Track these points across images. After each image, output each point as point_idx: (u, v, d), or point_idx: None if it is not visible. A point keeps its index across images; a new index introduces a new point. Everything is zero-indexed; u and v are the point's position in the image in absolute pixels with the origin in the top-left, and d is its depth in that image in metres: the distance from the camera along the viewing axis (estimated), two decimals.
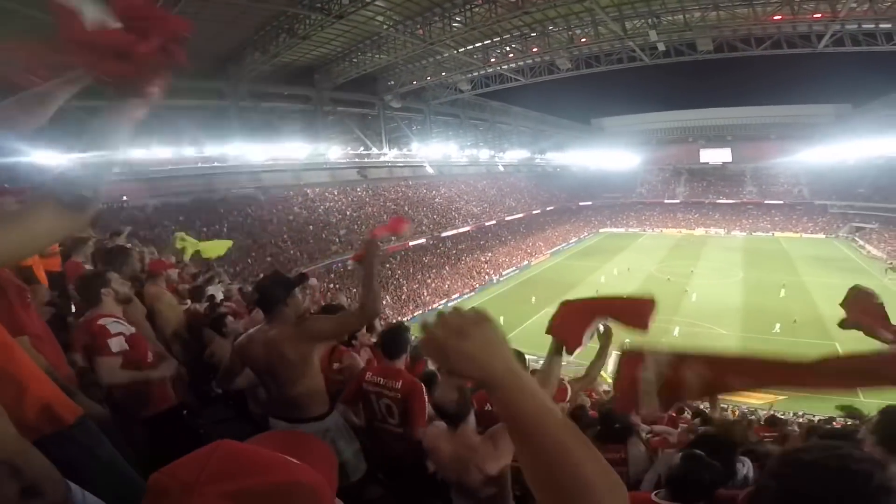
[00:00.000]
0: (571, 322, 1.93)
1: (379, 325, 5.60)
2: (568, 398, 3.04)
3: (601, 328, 2.27)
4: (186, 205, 25.89)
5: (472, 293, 34.45)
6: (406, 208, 39.78)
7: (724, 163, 67.34)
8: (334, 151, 34.57)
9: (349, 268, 29.83)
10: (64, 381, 1.80)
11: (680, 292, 31.44)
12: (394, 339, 2.72)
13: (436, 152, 42.57)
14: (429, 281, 33.60)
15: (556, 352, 2.12)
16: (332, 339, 3.07)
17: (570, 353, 2.04)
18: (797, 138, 59.62)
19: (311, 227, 30.89)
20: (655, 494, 1.85)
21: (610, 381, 17.43)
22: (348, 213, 35.11)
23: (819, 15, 19.67)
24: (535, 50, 25.87)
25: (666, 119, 69.97)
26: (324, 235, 30.92)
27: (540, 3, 19.78)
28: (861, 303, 1.72)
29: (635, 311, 1.78)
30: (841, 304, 1.76)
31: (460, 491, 1.98)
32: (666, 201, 66.75)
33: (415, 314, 28.82)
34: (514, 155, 54.84)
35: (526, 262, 43.10)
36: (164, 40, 0.99)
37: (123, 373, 2.41)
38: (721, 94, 79.98)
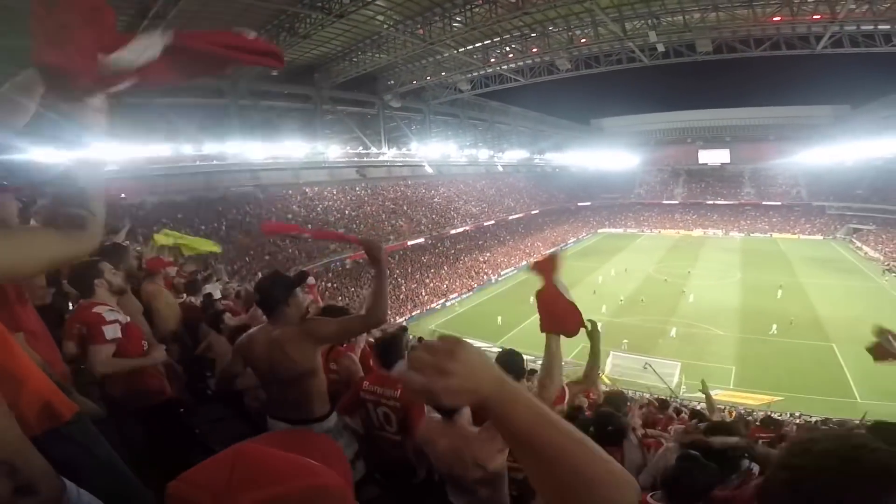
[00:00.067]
0: (555, 311, 2.05)
1: None
2: (566, 401, 3.03)
3: (588, 325, 2.30)
4: (185, 203, 25.87)
5: (471, 293, 34.46)
6: (405, 208, 39.79)
7: (722, 164, 67.43)
8: (333, 150, 34.56)
9: (347, 267, 29.87)
10: (59, 378, 1.79)
11: (677, 293, 31.52)
12: (389, 348, 2.69)
13: (435, 152, 42.54)
14: (427, 281, 33.59)
15: (554, 348, 2.13)
16: (335, 342, 3.07)
17: (573, 334, 2.12)
18: (795, 139, 59.73)
19: (309, 225, 30.85)
20: (651, 496, 1.85)
21: (608, 381, 17.46)
22: (347, 212, 35.08)
23: (818, 16, 19.71)
24: (534, 50, 25.88)
25: (665, 120, 70.02)
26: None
27: (540, 3, 19.78)
28: (885, 342, 2.06)
29: (571, 317, 2.11)
30: (868, 349, 2.17)
31: (456, 486, 1.97)
32: (664, 202, 66.86)
33: (413, 314, 28.82)
34: (514, 155, 54.83)
35: (524, 263, 43.05)
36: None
37: (116, 361, 2.39)
38: (720, 95, 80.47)
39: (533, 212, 55.23)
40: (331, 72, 28.79)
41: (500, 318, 26.46)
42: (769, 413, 11.14)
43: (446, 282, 34.64)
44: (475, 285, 35.86)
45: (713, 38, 22.17)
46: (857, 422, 8.01)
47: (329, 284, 27.35)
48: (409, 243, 35.81)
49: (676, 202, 66.30)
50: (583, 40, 24.49)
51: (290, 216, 30.59)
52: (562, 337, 2.16)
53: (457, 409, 1.94)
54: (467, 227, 43.23)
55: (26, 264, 0.94)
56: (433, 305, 31.21)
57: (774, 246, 48.95)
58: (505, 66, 28.29)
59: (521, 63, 27.97)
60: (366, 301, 2.23)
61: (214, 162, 28.02)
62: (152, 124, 22.12)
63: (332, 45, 25.03)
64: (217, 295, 5.84)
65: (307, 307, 2.51)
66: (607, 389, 8.76)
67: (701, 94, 74.90)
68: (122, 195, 22.21)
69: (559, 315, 2.11)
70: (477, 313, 29.75)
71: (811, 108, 61.52)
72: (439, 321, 28.45)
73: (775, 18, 20.43)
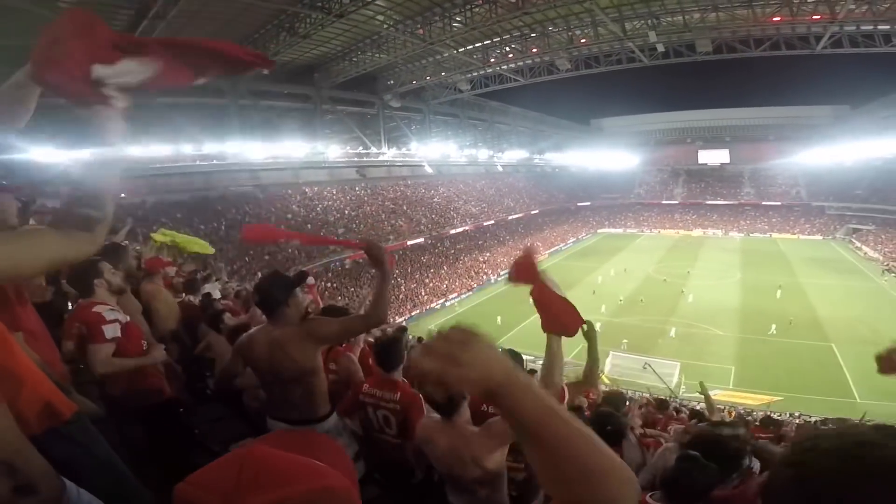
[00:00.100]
0: (552, 310, 2.03)
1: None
2: (566, 401, 3.03)
3: (584, 326, 2.30)
4: (185, 202, 25.87)
5: (470, 293, 34.46)
6: (405, 208, 39.80)
7: (722, 164, 67.45)
8: (333, 150, 34.55)
9: (347, 267, 29.86)
10: (58, 378, 1.79)
11: (677, 293, 31.53)
12: (389, 351, 2.68)
13: (435, 152, 42.54)
14: (427, 280, 33.59)
15: (556, 348, 2.13)
16: (337, 342, 3.07)
17: (573, 334, 2.11)
18: (795, 139, 59.76)
19: (309, 225, 30.86)
20: (650, 496, 1.85)
21: (608, 381, 17.44)
22: (346, 211, 35.08)
23: (818, 16, 19.72)
24: (534, 50, 25.87)
25: (664, 120, 70.03)
26: (322, 234, 30.87)
27: (540, 3, 19.77)
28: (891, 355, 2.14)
29: (569, 316, 2.07)
30: (877, 358, 2.22)
31: (456, 486, 1.97)
32: (664, 202, 66.86)
33: (412, 313, 28.82)
34: (513, 155, 54.83)
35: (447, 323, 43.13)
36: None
37: (116, 360, 2.39)
38: (720, 95, 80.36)
39: (532, 212, 55.25)
40: (331, 71, 28.79)
41: (499, 318, 26.44)
42: (769, 413, 11.16)
43: (446, 282, 34.64)
44: (475, 285, 35.85)
45: (713, 39, 22.18)
46: (857, 421, 8.01)
47: (329, 284, 27.36)
48: (409, 243, 35.80)
49: (676, 202, 66.30)
50: (583, 40, 24.49)
51: (289, 216, 30.60)
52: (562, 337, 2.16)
53: (456, 408, 1.95)
54: (467, 227, 43.25)
55: (27, 265, 0.93)
56: (433, 305, 31.21)
57: (774, 246, 48.98)
58: (505, 66, 28.28)
59: (520, 63, 27.96)
60: (369, 301, 2.24)
61: (214, 161, 28.03)
62: (152, 124, 22.11)
63: (332, 44, 25.03)
64: (216, 295, 5.85)
65: (307, 307, 2.51)
66: (607, 389, 8.77)
67: (701, 94, 74.87)
68: (122, 194, 22.20)
69: (556, 314, 2.10)
70: (476, 313, 29.73)
71: (811, 109, 61.55)
72: (439, 321, 28.40)
73: (775, 19, 20.44)
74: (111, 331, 2.37)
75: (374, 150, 36.49)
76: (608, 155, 68.69)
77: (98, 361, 2.32)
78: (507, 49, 26.87)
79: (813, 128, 58.51)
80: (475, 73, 30.04)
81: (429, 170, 45.51)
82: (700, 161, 68.70)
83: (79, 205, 0.92)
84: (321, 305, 4.87)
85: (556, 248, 50.56)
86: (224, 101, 26.63)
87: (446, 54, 26.02)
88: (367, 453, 2.62)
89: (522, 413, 0.64)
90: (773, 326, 24.32)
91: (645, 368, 19.07)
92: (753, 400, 17.19)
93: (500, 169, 56.92)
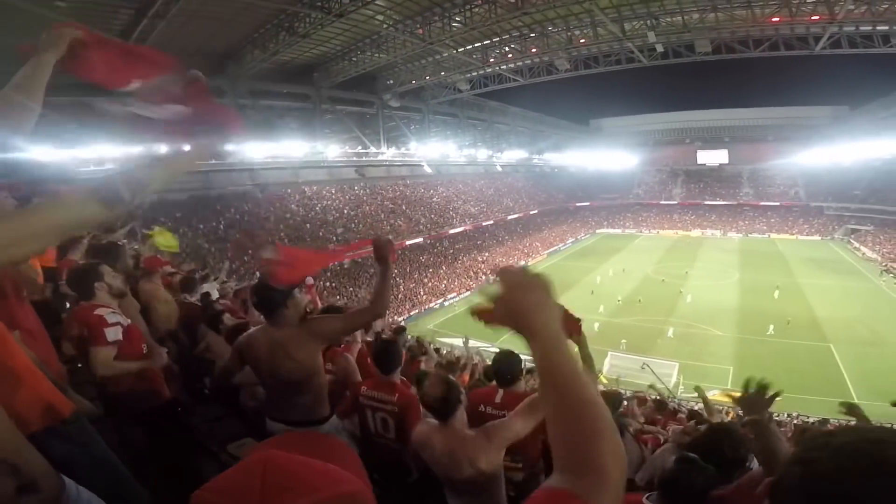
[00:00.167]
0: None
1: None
2: None
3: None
4: (184, 202, 25.81)
5: (469, 293, 34.45)
6: (404, 207, 39.79)
7: (720, 164, 67.50)
8: (332, 150, 34.49)
9: (346, 266, 29.82)
10: (55, 377, 1.79)
11: (675, 293, 31.56)
12: (386, 354, 2.69)
13: (434, 152, 42.49)
14: (426, 280, 33.59)
15: (583, 351, 2.21)
16: (341, 336, 3.10)
17: (579, 334, 2.13)
18: (794, 140, 59.84)
19: (308, 225, 30.85)
20: (647, 497, 1.84)
21: (606, 381, 17.42)
22: (346, 211, 35.07)
23: (817, 17, 19.74)
24: (533, 50, 25.87)
25: (664, 120, 70.10)
26: (321, 234, 30.87)
27: (539, 3, 19.75)
28: None
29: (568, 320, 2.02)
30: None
31: (453, 489, 1.98)
32: (663, 202, 66.93)
33: (411, 313, 28.81)
34: (512, 155, 54.83)
35: (523, 263, 43.14)
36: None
37: (117, 364, 2.39)
38: (719, 96, 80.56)
39: (531, 212, 55.27)
40: (330, 71, 28.74)
41: None
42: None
43: (445, 281, 34.64)
44: (474, 285, 35.85)
45: (712, 39, 22.20)
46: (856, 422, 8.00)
47: (328, 284, 27.34)
48: (408, 243, 35.79)
49: (675, 202, 66.37)
50: (582, 40, 24.48)
51: (288, 215, 30.57)
52: None
53: (452, 411, 1.96)
54: (466, 227, 43.23)
55: (54, 231, 0.93)
56: (432, 305, 31.21)
57: (772, 246, 49.04)
58: (504, 66, 28.27)
59: (520, 63, 27.95)
60: (371, 295, 2.29)
61: (213, 161, 27.95)
62: (153, 122, 22.04)
63: (332, 44, 24.99)
64: (214, 294, 5.84)
65: (305, 307, 2.51)
66: (604, 389, 8.76)
67: (699, 94, 75.11)
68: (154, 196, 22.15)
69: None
70: None
71: (810, 109, 61.66)
72: (438, 321, 28.44)
73: (774, 19, 20.45)
74: (113, 334, 2.37)
75: (373, 149, 36.45)
76: (607, 155, 68.73)
77: (99, 364, 2.33)
78: (507, 49, 26.86)
79: (812, 128, 58.58)
80: (474, 73, 30.02)
81: (428, 170, 45.48)
82: (699, 161, 68.76)
83: (118, 181, 0.92)
84: (320, 306, 4.86)
85: (555, 248, 50.60)
86: (223, 100, 26.59)
87: (446, 54, 26.01)
88: (365, 455, 2.62)
89: (557, 363, 0.73)
90: (772, 327, 24.36)
91: (643, 369, 19.05)
92: None
93: (499, 169, 56.92)
